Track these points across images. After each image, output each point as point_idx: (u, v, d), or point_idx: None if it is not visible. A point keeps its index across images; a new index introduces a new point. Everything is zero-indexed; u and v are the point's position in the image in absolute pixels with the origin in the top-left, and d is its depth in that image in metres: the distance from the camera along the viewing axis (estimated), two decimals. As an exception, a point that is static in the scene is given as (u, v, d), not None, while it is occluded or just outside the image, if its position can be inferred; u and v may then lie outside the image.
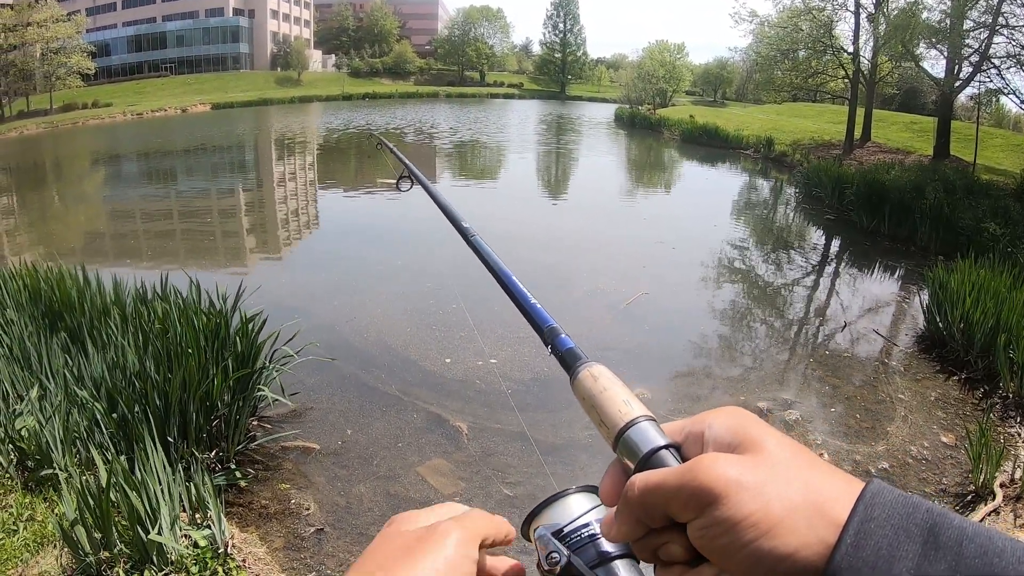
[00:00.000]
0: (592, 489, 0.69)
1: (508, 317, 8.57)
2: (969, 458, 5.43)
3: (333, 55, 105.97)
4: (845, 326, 9.09)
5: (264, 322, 5.97)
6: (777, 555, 0.49)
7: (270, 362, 5.85)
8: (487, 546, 0.66)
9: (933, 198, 14.83)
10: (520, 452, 5.65)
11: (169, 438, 4.76)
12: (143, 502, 3.76)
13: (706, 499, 0.52)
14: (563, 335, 0.80)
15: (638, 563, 0.63)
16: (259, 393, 5.60)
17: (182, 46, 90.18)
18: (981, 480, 5.23)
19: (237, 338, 5.65)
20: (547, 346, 0.81)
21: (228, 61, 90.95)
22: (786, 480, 0.52)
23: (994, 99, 33.06)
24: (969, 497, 5.25)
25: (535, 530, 0.68)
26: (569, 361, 0.75)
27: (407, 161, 1.85)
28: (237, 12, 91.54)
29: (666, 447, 0.60)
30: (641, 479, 0.57)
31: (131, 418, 4.64)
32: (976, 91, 25.99)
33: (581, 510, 0.68)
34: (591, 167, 27.51)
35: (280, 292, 9.34)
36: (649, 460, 0.60)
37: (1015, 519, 4.85)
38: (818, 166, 22.01)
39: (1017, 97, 21.17)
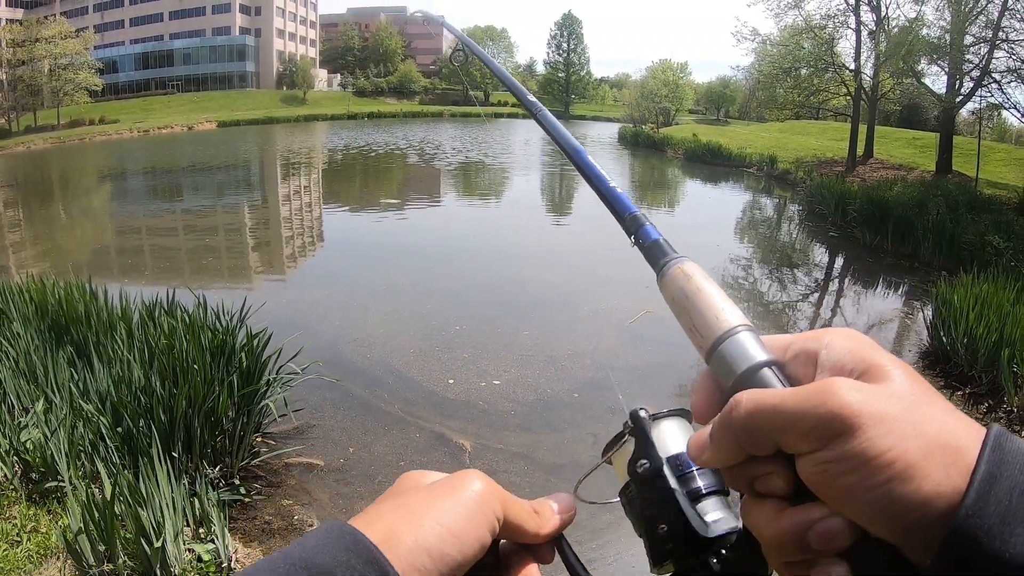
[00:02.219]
0: (684, 413, 0.62)
1: (511, 338, 8.59)
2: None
3: (338, 74, 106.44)
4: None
5: (268, 339, 6.01)
6: (910, 501, 0.43)
7: (275, 379, 5.85)
8: (512, 526, 0.57)
9: (936, 214, 14.85)
10: (523, 471, 5.66)
11: (174, 453, 4.76)
12: (147, 516, 3.77)
13: (836, 429, 0.45)
14: (648, 224, 0.71)
15: (727, 496, 0.57)
16: (262, 407, 5.61)
17: (189, 64, 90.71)
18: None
19: (243, 355, 5.67)
20: (630, 236, 0.72)
21: (234, 79, 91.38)
22: (921, 418, 0.46)
23: (996, 114, 33.10)
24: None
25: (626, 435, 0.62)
26: (656, 255, 0.68)
27: (464, 37, 1.70)
28: (244, 31, 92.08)
29: (770, 364, 0.53)
30: (751, 397, 0.49)
31: (136, 432, 4.66)
32: (978, 106, 26.06)
33: (673, 437, 0.60)
34: (587, 186, 27.58)
35: (284, 310, 9.35)
36: (750, 378, 0.53)
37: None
38: (821, 183, 22.05)
39: (1018, 111, 21.21)
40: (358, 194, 23.69)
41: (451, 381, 7.28)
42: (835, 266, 15.26)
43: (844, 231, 17.36)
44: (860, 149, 29.31)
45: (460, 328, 8.86)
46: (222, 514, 4.21)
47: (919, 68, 25.97)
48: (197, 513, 4.20)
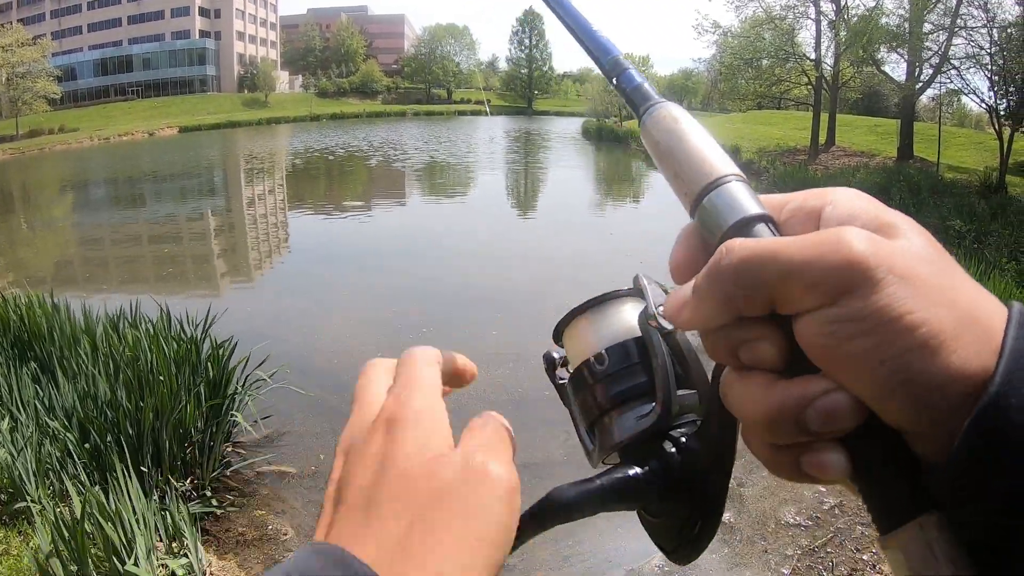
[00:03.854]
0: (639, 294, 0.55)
1: (479, 339, 8.57)
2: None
3: (300, 76, 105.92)
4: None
5: (234, 347, 5.95)
6: (932, 377, 0.36)
7: (242, 388, 5.80)
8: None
9: (899, 199, 15.03)
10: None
11: (143, 467, 4.70)
12: (118, 533, 3.72)
13: (852, 281, 0.37)
14: (630, 68, 0.59)
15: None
16: (232, 420, 5.55)
17: (148, 69, 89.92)
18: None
19: (208, 364, 5.61)
20: (611, 80, 0.61)
21: (195, 84, 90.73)
22: (950, 283, 0.38)
23: (955, 99, 33.53)
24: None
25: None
26: (638, 99, 0.57)
27: None
28: (203, 34, 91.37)
29: (765, 219, 0.46)
30: (745, 243, 0.42)
31: (104, 448, 4.60)
32: (937, 92, 26.41)
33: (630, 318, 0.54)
34: (559, 182, 27.59)
35: (250, 317, 9.26)
36: (741, 232, 0.45)
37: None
38: (785, 172, 22.28)
39: (978, 96, 21.48)
40: (322, 198, 23.55)
41: (420, 384, 7.20)
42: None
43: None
44: (822, 137, 29.60)
45: (427, 330, 8.81)
46: (194, 527, 4.16)
47: (879, 56, 26.28)
48: (169, 527, 4.14)
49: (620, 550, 4.57)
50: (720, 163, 0.49)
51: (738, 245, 0.41)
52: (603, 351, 0.54)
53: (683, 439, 0.49)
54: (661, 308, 0.50)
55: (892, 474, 0.39)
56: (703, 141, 0.51)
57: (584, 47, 0.65)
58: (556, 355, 0.60)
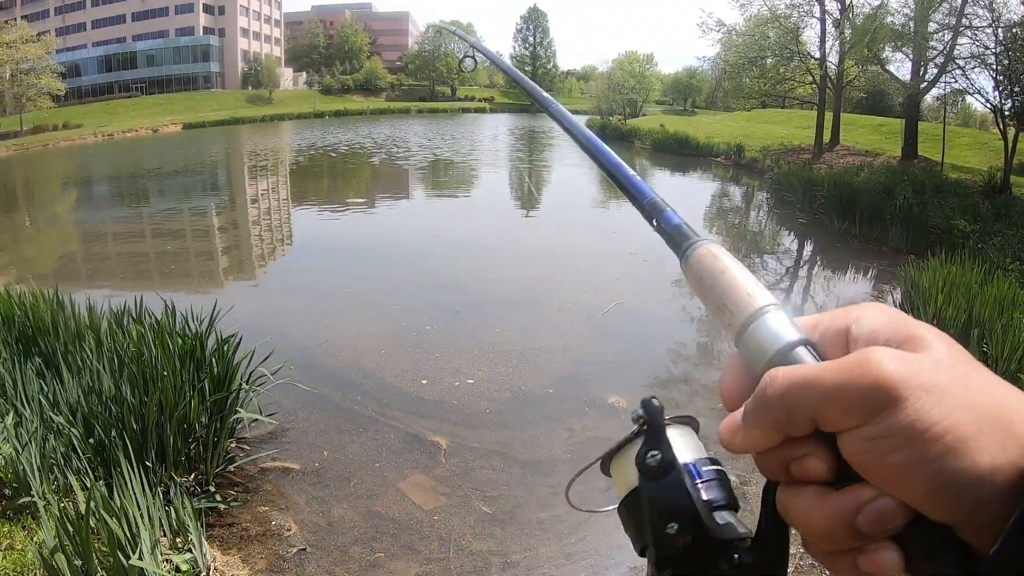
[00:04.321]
0: (686, 421, 0.58)
1: (483, 336, 8.59)
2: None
3: (304, 72, 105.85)
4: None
5: (239, 343, 5.94)
6: (966, 477, 0.39)
7: (247, 383, 5.80)
8: None
9: (903, 198, 15.01)
10: (500, 467, 5.65)
11: (147, 462, 4.70)
12: (123, 528, 3.72)
13: (881, 401, 0.42)
14: (668, 209, 0.70)
15: (737, 512, 0.53)
16: (236, 415, 5.55)
17: (152, 66, 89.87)
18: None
19: (213, 360, 5.61)
20: (651, 222, 0.72)
21: (199, 80, 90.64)
22: (969, 387, 0.42)
23: (960, 99, 33.43)
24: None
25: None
26: (678, 239, 0.66)
27: (472, 40, 1.74)
28: (207, 31, 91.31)
29: (804, 343, 0.50)
30: (786, 372, 0.46)
31: (108, 443, 4.60)
32: (942, 92, 26.35)
33: (680, 446, 0.56)
34: (562, 180, 27.51)
35: (254, 313, 9.28)
36: (784, 358, 0.49)
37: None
38: (789, 171, 22.24)
39: (983, 96, 21.43)
40: (325, 194, 23.51)
41: (424, 381, 7.24)
42: (804, 252, 15.39)
43: (812, 217, 17.51)
44: (826, 136, 29.54)
45: (431, 328, 8.80)
46: (198, 522, 4.17)
47: (883, 55, 26.23)
48: (173, 523, 4.15)
49: (624, 548, 4.54)
50: (758, 295, 0.54)
51: (780, 375, 0.46)
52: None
53: (736, 555, 0.51)
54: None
55: (944, 563, 0.42)
56: (741, 275, 0.56)
57: (623, 190, 0.76)
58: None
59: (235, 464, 5.52)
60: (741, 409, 0.49)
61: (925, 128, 28.03)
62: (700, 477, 0.54)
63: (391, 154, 35.34)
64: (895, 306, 8.98)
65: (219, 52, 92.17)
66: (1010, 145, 19.32)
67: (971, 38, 21.51)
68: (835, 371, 0.44)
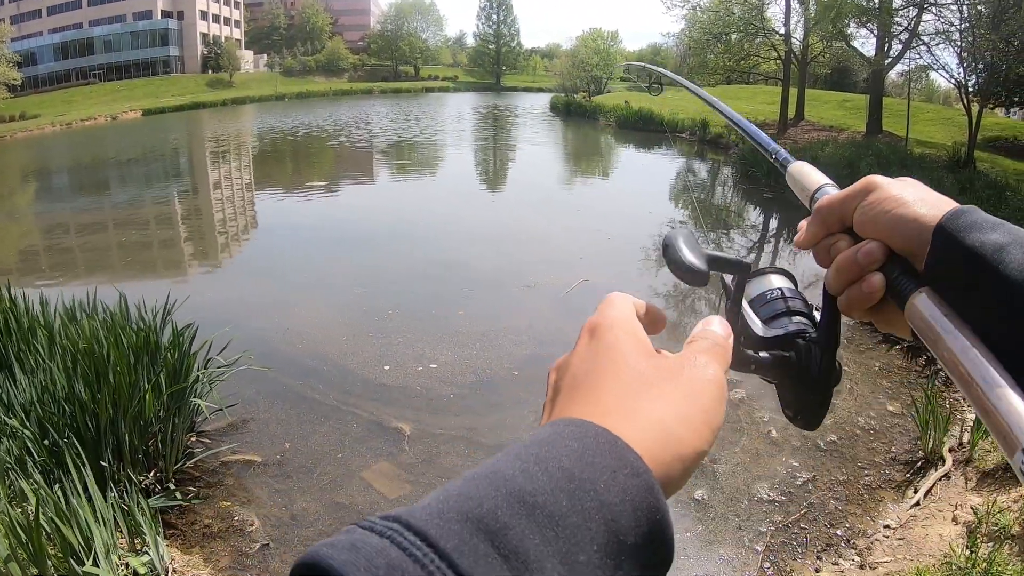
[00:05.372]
0: (786, 273, 0.88)
1: (446, 319, 8.49)
2: (917, 425, 5.51)
3: (265, 55, 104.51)
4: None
5: (195, 333, 5.83)
6: (909, 217, 0.68)
7: (203, 375, 5.67)
8: None
9: (867, 172, 14.96)
10: (464, 453, 5.59)
11: (102, 462, 4.57)
12: (75, 533, 3.60)
13: (869, 188, 0.73)
14: (784, 152, 1.06)
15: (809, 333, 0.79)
16: (194, 404, 5.41)
17: (110, 52, 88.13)
18: (930, 446, 5.33)
19: (167, 353, 5.47)
20: (772, 158, 1.08)
21: (158, 65, 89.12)
22: (919, 188, 0.72)
23: (924, 75, 33.68)
24: (919, 464, 5.32)
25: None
26: (782, 163, 1.03)
27: (658, 69, 2.04)
28: (166, 14, 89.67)
29: (830, 185, 0.88)
30: (825, 198, 0.78)
31: (62, 444, 4.45)
32: (907, 68, 26.46)
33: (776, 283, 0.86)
34: (525, 158, 27.44)
35: (213, 303, 9.12)
36: (823, 192, 0.86)
37: (966, 483, 4.91)
38: (754, 146, 22.21)
39: (947, 72, 21.54)
40: (286, 179, 22.96)
41: (387, 367, 7.15)
42: (770, 226, 15.45)
43: (778, 192, 17.52)
44: (791, 112, 29.65)
45: (394, 312, 8.68)
46: (156, 522, 4.06)
47: (848, 31, 26.28)
48: (131, 524, 4.02)
49: None
50: (822, 179, 0.90)
51: (823, 199, 0.79)
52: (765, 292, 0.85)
53: (806, 337, 0.78)
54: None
55: (904, 273, 0.68)
56: (816, 174, 0.92)
57: (753, 140, 1.18)
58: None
59: (195, 459, 5.39)
60: (807, 224, 0.80)
61: (889, 104, 28.19)
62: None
63: (353, 136, 34.83)
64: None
65: (178, 36, 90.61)
66: (974, 121, 19.46)
67: (936, 14, 21.60)
68: (849, 188, 0.76)
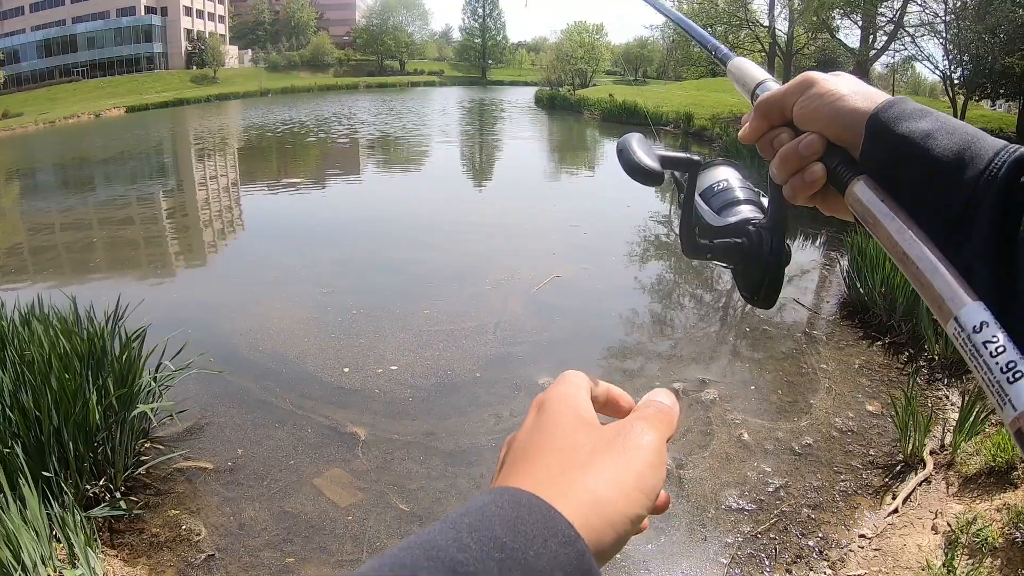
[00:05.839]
0: (734, 164, 0.98)
1: (410, 319, 8.29)
2: (896, 426, 5.30)
3: (249, 50, 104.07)
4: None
5: (144, 337, 5.65)
6: (845, 109, 0.73)
7: (155, 380, 5.49)
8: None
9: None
10: (421, 459, 5.42)
11: (44, 472, 4.38)
12: (8, 549, 3.46)
13: (807, 84, 0.77)
14: (724, 48, 1.02)
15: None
16: (139, 412, 5.18)
17: (94, 48, 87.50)
18: (910, 449, 5.15)
19: (113, 358, 5.28)
20: (712, 54, 1.05)
21: (142, 62, 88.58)
22: (853, 82, 0.76)
23: (910, 67, 33.71)
24: (898, 468, 5.15)
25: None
26: (722, 59, 1.00)
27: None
28: (149, 10, 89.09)
29: (771, 80, 0.89)
30: (766, 94, 0.82)
31: (3, 455, 4.23)
32: (892, 60, 26.44)
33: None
34: (508, 153, 27.30)
35: (175, 303, 8.96)
36: (765, 87, 0.87)
37: (947, 488, 4.74)
38: (737, 138, 22.11)
39: (932, 63, 21.47)
40: (256, 177, 22.51)
41: (346, 369, 6.97)
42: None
43: (760, 184, 17.35)
44: (775, 103, 29.54)
45: (357, 312, 8.48)
46: (82, 532, 3.88)
47: (833, 23, 26.21)
48: (70, 537, 3.84)
49: None
50: (762, 75, 0.90)
51: (762, 95, 0.83)
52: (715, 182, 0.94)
53: (756, 223, 0.86)
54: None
55: (843, 163, 0.73)
56: (756, 69, 0.92)
57: (693, 36, 1.12)
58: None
59: (146, 466, 5.21)
60: (749, 118, 0.84)
61: (874, 95, 28.16)
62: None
63: (334, 132, 34.46)
64: (842, 276, 8.90)
65: (162, 32, 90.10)
66: (959, 112, 19.42)
67: (921, 5, 21.55)
68: (788, 84, 0.80)
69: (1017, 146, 0.63)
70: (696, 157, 0.87)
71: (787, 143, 0.77)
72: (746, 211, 0.87)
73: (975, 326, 0.56)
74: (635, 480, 0.50)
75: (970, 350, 0.56)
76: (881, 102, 0.71)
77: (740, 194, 0.90)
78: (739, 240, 0.85)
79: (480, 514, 0.43)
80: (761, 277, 0.84)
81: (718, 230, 0.85)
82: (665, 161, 0.81)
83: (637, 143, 0.80)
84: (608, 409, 0.64)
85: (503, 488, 0.47)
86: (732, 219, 0.86)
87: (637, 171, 0.78)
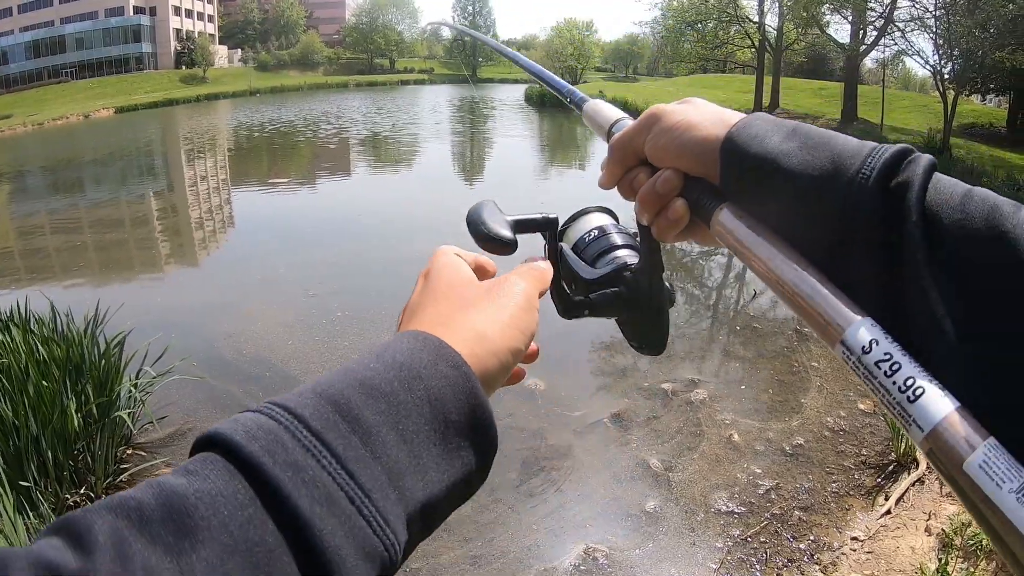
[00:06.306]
0: (605, 210, 0.91)
1: (395, 323, 8.12)
2: (889, 425, 5.25)
3: (239, 49, 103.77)
4: (755, 295, 8.91)
5: (123, 342, 5.58)
6: (697, 139, 0.69)
7: (135, 387, 5.37)
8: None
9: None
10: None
11: (23, 482, 4.30)
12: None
13: (653, 118, 0.73)
14: (580, 93, 1.00)
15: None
16: (117, 419, 5.08)
17: (82, 49, 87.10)
18: (902, 448, 5.08)
19: (93, 363, 5.20)
20: (567, 100, 1.03)
21: (131, 62, 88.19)
22: (702, 107, 0.73)
23: (900, 63, 33.78)
24: (891, 467, 5.07)
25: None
26: (577, 104, 0.98)
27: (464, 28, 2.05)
28: (138, 11, 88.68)
29: (625, 119, 0.86)
30: (616, 136, 0.79)
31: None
32: (882, 55, 26.42)
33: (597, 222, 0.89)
34: (500, 152, 27.10)
35: (153, 308, 8.75)
36: (620, 126, 0.83)
37: (941, 488, 4.65)
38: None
39: (922, 58, 21.46)
40: (243, 178, 22.26)
41: (329, 372, 6.80)
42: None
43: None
44: (766, 100, 29.62)
45: (343, 314, 8.37)
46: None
47: (823, 18, 26.21)
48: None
49: (535, 548, 4.29)
50: (616, 114, 0.87)
51: (613, 137, 0.80)
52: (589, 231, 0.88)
53: (632, 268, 0.81)
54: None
55: (704, 194, 0.69)
56: (611, 110, 0.89)
57: (550, 87, 1.13)
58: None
59: (128, 473, 5.11)
60: (606, 163, 0.80)
61: (865, 91, 28.32)
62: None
63: (322, 131, 34.22)
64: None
65: (151, 32, 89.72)
66: (949, 107, 19.40)
67: (911, 0, 21.50)
68: (635, 121, 0.77)
69: (886, 146, 0.61)
70: (553, 216, 0.85)
71: (645, 183, 0.75)
72: (622, 257, 0.83)
73: (864, 347, 0.53)
74: (510, 319, 0.62)
75: (863, 373, 0.52)
76: (733, 125, 0.68)
77: (615, 239, 0.85)
78: (616, 289, 0.81)
79: (383, 348, 0.54)
80: (645, 323, 0.82)
81: (593, 283, 0.81)
82: (518, 226, 0.79)
83: (487, 212, 0.79)
84: (479, 273, 0.74)
85: (402, 332, 0.58)
86: (607, 268, 0.82)
87: (488, 241, 0.76)
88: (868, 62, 31.18)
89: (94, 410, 4.89)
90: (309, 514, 0.41)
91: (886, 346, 0.52)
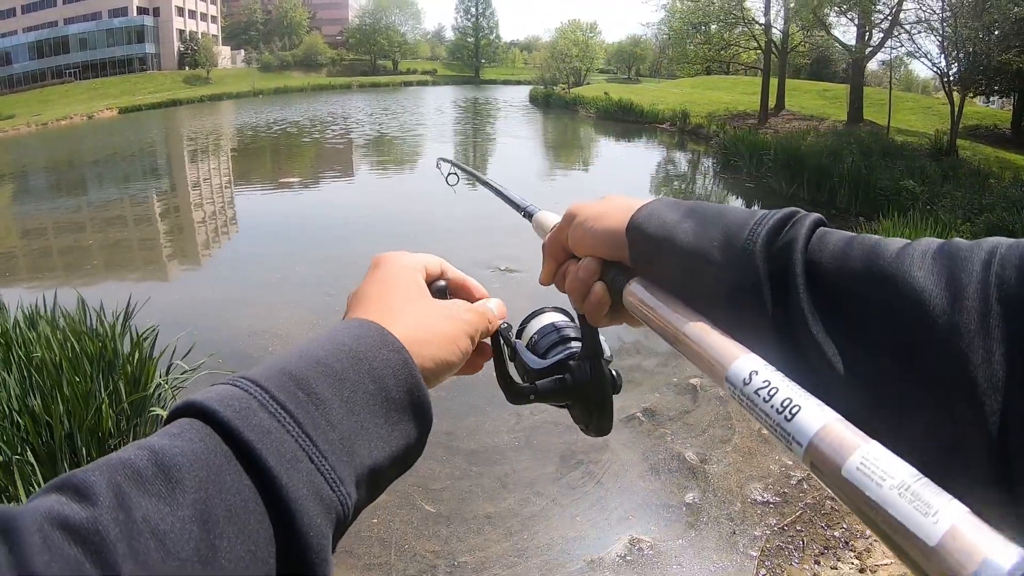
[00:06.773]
0: (559, 309, 0.94)
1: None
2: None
3: (242, 50, 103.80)
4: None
5: (155, 338, 5.58)
6: (607, 227, 0.75)
7: (166, 381, 5.35)
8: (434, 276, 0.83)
9: (851, 161, 14.98)
10: (443, 458, 5.35)
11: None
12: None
13: (571, 216, 0.81)
14: (532, 206, 1.11)
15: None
16: (155, 414, 5.10)
17: (86, 50, 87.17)
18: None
19: (125, 359, 5.19)
20: (521, 212, 1.13)
21: (134, 63, 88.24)
22: (612, 203, 0.78)
23: (903, 65, 33.84)
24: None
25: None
26: (529, 214, 1.08)
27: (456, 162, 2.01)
28: (142, 11, 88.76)
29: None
30: (547, 236, 0.87)
31: (12, 462, 4.15)
32: (887, 57, 26.47)
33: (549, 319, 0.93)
34: (507, 152, 27.10)
35: (182, 305, 8.82)
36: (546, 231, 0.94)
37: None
38: (735, 136, 22.25)
39: (929, 60, 21.50)
40: (258, 177, 22.18)
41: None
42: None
43: (760, 181, 17.48)
44: (772, 102, 29.57)
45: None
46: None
47: (829, 20, 26.22)
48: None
49: (580, 541, 4.33)
50: (554, 220, 0.97)
51: (547, 238, 0.88)
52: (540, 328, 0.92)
53: (576, 356, 0.85)
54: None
55: (618, 274, 0.74)
56: (552, 216, 1.01)
57: (507, 201, 1.24)
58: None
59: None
60: (543, 261, 0.87)
61: (869, 93, 28.24)
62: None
63: (327, 132, 34.24)
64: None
65: (154, 33, 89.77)
66: (956, 109, 19.43)
67: (917, 2, 21.53)
68: (559, 220, 0.85)
69: (773, 212, 0.65)
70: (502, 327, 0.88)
71: (571, 273, 0.81)
72: (571, 348, 0.87)
73: (744, 378, 0.55)
74: (451, 332, 0.70)
75: (747, 404, 0.55)
76: (636, 209, 0.74)
77: (566, 332, 0.89)
78: (561, 376, 0.84)
79: (332, 333, 0.61)
80: (590, 407, 0.85)
81: (540, 372, 0.85)
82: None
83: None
84: (461, 293, 0.84)
85: (350, 318, 0.66)
86: (554, 358, 0.86)
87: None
88: (872, 64, 31.24)
89: (126, 408, 4.89)
90: (277, 470, 0.47)
91: (766, 374, 0.54)
